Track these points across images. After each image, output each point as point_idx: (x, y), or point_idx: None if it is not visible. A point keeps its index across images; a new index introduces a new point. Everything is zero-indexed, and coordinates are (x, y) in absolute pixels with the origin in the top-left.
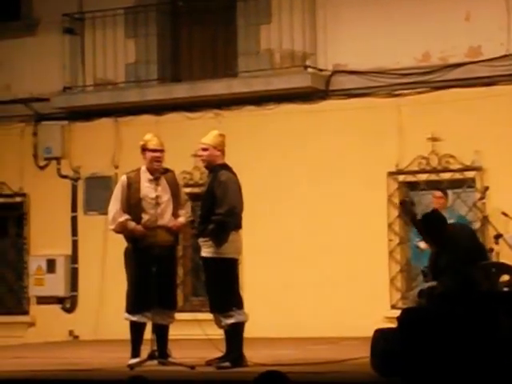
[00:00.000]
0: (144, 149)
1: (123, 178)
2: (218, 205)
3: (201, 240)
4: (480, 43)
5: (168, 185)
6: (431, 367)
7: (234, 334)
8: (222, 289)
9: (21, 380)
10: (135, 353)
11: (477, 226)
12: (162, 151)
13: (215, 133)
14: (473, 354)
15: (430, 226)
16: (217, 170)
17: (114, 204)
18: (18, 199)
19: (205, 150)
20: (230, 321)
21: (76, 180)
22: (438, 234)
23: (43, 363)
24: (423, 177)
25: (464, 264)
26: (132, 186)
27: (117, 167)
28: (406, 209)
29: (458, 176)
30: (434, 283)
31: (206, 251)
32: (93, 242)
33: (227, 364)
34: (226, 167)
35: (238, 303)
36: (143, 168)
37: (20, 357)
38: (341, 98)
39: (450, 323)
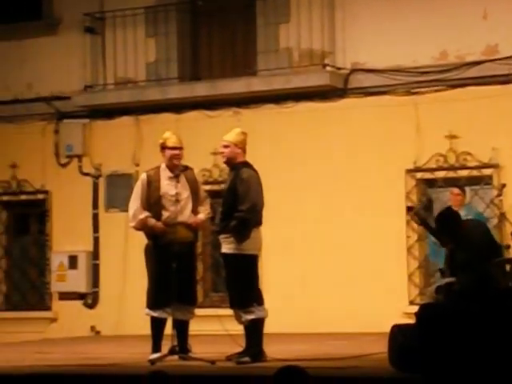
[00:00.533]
0: (163, 147)
1: (143, 176)
2: (240, 202)
3: (222, 236)
4: (497, 42)
5: (187, 182)
6: (448, 363)
7: (254, 330)
8: (242, 285)
9: (43, 375)
10: (156, 348)
11: (494, 222)
12: (180, 149)
13: (237, 131)
14: (488, 350)
15: (446, 223)
16: (238, 167)
17: (135, 201)
18: (40, 196)
19: (226, 147)
20: (251, 316)
21: (97, 177)
22: (453, 231)
23: (65, 358)
24: (441, 174)
25: (479, 261)
26: (152, 184)
27: (137, 165)
28: (415, 214)
29: (475, 173)
30: (451, 279)
31: (227, 247)
32: (114, 239)
33: (247, 359)
34: (247, 165)
35: (258, 299)
36: (163, 166)
37: (42, 352)
38: (359, 96)
39: (466, 320)
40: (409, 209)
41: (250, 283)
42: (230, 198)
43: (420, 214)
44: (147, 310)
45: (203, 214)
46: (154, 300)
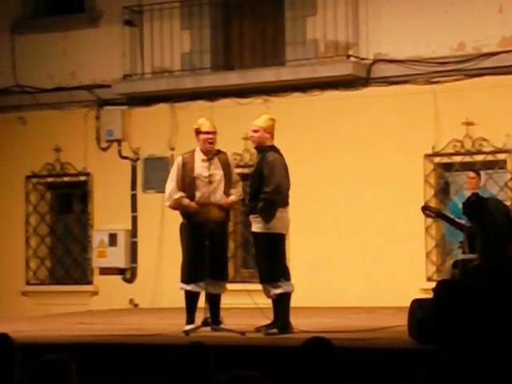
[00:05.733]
0: (198, 131)
1: (179, 159)
2: (265, 184)
3: (251, 217)
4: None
5: (221, 165)
6: (464, 335)
7: (282, 303)
8: (270, 261)
9: (86, 344)
10: (190, 320)
11: (507, 205)
12: (214, 133)
13: (266, 116)
14: (503, 325)
15: (473, 208)
16: (265, 151)
17: (171, 182)
18: (82, 178)
19: (256, 131)
20: (278, 291)
21: (135, 161)
22: (479, 216)
23: (106, 329)
24: (458, 159)
25: (500, 240)
26: (187, 166)
27: (173, 149)
28: (428, 211)
29: (490, 158)
30: (468, 256)
31: (256, 227)
32: (151, 218)
33: (275, 330)
34: (274, 149)
35: (285, 275)
36: (197, 149)
37: (85, 323)
38: (381, 85)
39: (483, 296)
40: (423, 208)
41: (278, 260)
42: (256, 180)
43: (432, 208)
44: (181, 285)
45: (235, 195)
46: (188, 275)
